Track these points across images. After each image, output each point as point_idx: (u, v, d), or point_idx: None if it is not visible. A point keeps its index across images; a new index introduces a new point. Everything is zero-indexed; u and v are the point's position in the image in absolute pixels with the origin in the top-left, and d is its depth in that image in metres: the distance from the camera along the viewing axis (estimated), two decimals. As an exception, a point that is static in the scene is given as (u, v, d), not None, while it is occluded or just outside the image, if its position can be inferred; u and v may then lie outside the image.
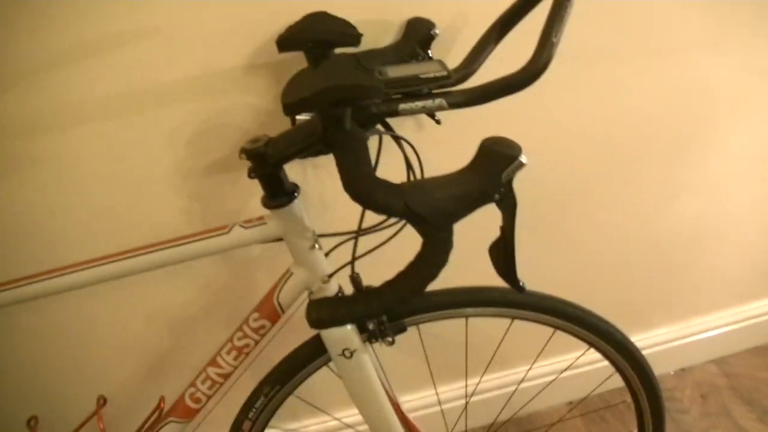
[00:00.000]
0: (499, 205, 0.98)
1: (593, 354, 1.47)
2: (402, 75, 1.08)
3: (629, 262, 2.08)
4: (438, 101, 1.08)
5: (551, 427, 2.19)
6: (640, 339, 2.26)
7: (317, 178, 1.22)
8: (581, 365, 2.16)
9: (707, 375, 2.49)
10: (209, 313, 1.63)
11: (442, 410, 2.00)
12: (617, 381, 1.54)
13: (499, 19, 1.20)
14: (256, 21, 1.27)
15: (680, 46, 1.66)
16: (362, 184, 0.97)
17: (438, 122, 1.41)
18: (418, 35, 1.32)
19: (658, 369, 2.17)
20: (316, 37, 1.18)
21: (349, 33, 1.20)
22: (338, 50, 1.20)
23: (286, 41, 1.20)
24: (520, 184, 0.97)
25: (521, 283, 1.05)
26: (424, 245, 1.00)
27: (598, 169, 1.78)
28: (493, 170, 0.96)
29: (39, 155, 1.30)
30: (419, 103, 1.08)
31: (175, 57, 1.27)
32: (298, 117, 1.24)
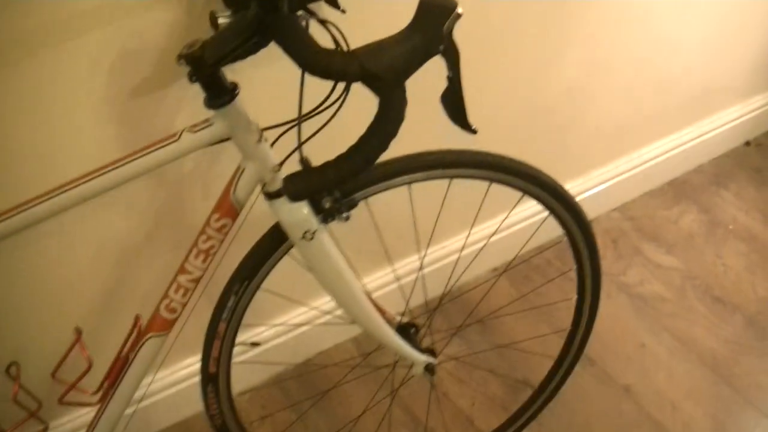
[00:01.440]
0: (444, 55, 1.06)
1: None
2: None
3: (526, 121, 2.20)
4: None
5: (480, 292, 2.31)
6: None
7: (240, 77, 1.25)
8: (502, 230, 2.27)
9: (613, 222, 2.66)
10: (151, 238, 1.66)
11: (400, 286, 2.12)
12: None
13: None
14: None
15: None
16: (317, 58, 1.03)
17: (343, 11, 1.45)
18: None
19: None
20: None
21: None
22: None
23: None
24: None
25: (473, 127, 1.13)
26: (382, 104, 1.07)
27: (488, 30, 1.86)
28: (435, 24, 1.03)
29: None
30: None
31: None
32: (220, 22, 1.27)
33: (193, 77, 1.17)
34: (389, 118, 1.07)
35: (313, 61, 1.04)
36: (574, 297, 1.77)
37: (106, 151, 1.41)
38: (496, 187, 1.51)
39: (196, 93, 1.19)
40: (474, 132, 1.13)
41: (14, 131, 1.36)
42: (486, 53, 1.90)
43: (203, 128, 1.22)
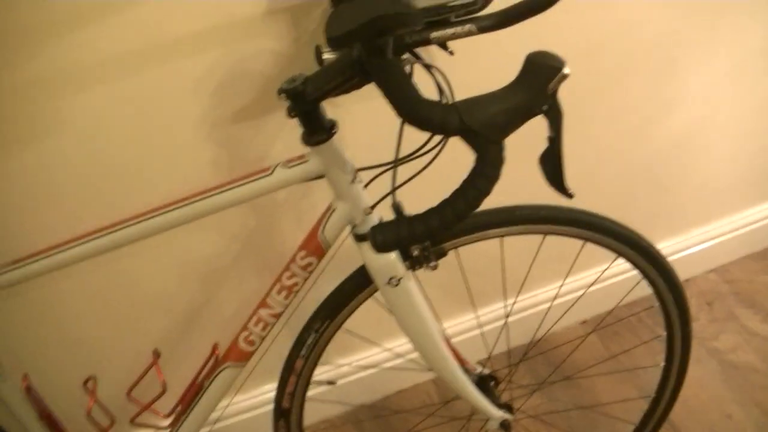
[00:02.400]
0: (547, 115, 1.03)
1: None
2: (431, 4, 1.11)
3: (626, 178, 2.13)
4: (468, 27, 1.11)
5: (567, 346, 2.25)
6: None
7: (337, 117, 1.24)
8: (595, 284, 2.22)
9: (710, 284, 2.56)
10: (239, 262, 1.66)
11: (482, 333, 2.07)
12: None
13: None
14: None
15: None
16: (417, 107, 1.01)
17: (451, 53, 1.44)
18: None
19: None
20: None
21: None
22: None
23: None
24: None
25: (570, 191, 1.09)
26: (479, 160, 1.04)
27: (590, 85, 1.82)
28: (540, 82, 1.00)
29: (62, 118, 1.31)
30: (450, 30, 1.12)
31: (193, 8, 1.28)
32: (325, 57, 1.26)
33: (293, 112, 1.16)
34: (484, 175, 1.04)
35: (412, 110, 1.01)
36: (662, 363, 1.71)
37: (202, 173, 1.43)
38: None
39: (294, 126, 1.19)
40: (570, 196, 1.09)
41: (114, 145, 1.38)
42: (590, 107, 1.86)
43: (298, 164, 1.21)
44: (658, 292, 1.57)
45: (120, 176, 1.42)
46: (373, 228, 1.18)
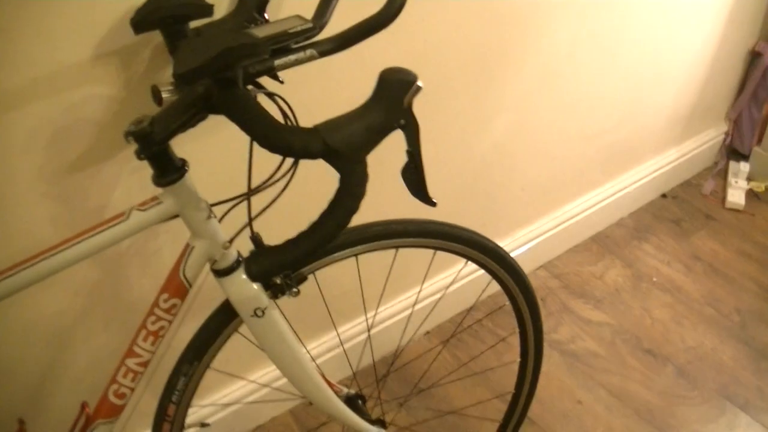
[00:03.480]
0: (404, 129, 1.06)
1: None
2: (271, 33, 1.12)
3: (454, 187, 2.22)
4: (309, 52, 1.14)
5: (422, 359, 2.30)
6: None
7: (182, 153, 1.23)
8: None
9: (540, 280, 2.69)
10: (86, 317, 1.60)
11: (344, 350, 2.09)
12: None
13: None
14: (97, 11, 1.26)
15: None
16: (278, 134, 1.02)
17: (281, 82, 1.45)
18: (252, 1, 1.35)
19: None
20: (174, 12, 1.20)
21: (202, 4, 1.23)
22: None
23: (143, 22, 1.21)
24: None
25: (433, 200, 1.13)
26: (344, 180, 1.05)
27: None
28: (395, 97, 1.03)
29: None
30: (292, 57, 1.14)
31: (16, 58, 1.23)
32: (164, 96, 1.25)
33: (142, 154, 1.14)
34: (351, 194, 1.06)
35: (274, 138, 1.02)
36: (517, 360, 1.77)
37: (42, 231, 1.37)
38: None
39: (132, 169, 1.16)
40: (434, 204, 1.13)
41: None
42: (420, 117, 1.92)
43: (152, 206, 1.18)
44: (508, 290, 1.63)
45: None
46: (247, 259, 1.17)
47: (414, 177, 1.11)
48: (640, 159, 2.96)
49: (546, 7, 2.06)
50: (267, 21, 1.35)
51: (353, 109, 1.04)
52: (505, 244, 2.52)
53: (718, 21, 2.77)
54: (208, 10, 1.23)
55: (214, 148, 1.39)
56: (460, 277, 2.30)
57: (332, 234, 1.11)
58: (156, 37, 1.29)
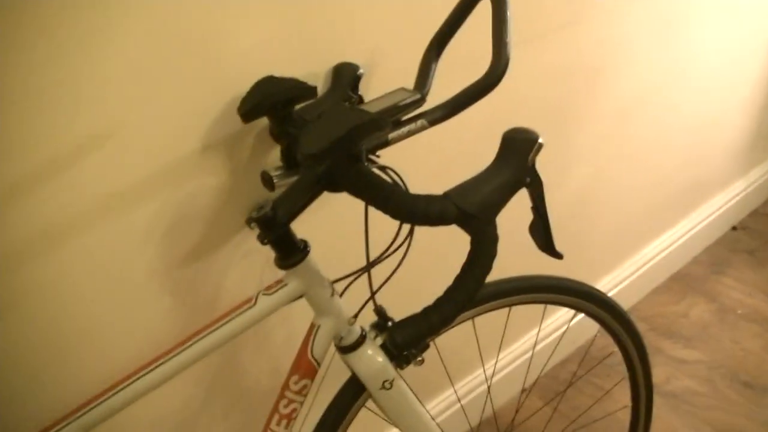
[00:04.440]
0: (530, 187, 1.07)
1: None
2: (383, 107, 1.15)
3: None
4: (420, 122, 1.16)
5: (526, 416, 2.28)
6: (562, 313, 2.40)
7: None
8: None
9: (627, 325, 2.65)
10: (207, 407, 1.60)
11: (462, 406, 2.08)
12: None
13: (434, 39, 1.29)
14: (201, 103, 1.28)
15: (546, 30, 1.82)
16: (411, 206, 1.03)
17: (378, 156, 1.47)
18: (346, 79, 1.37)
19: (585, 335, 2.34)
20: (282, 98, 1.22)
21: (306, 87, 1.25)
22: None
23: (252, 111, 1.24)
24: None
25: (560, 253, 1.13)
26: (476, 242, 1.06)
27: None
28: (521, 156, 1.04)
29: (23, 288, 1.25)
30: (405, 129, 1.16)
31: (132, 157, 1.25)
32: (276, 181, 1.27)
33: (265, 239, 1.16)
34: (485, 255, 1.07)
35: (408, 209, 1.03)
36: (621, 407, 1.76)
37: (164, 323, 1.39)
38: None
39: (244, 253, 1.18)
40: (560, 257, 1.13)
41: (68, 314, 1.31)
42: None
43: (278, 289, 1.20)
44: (617, 337, 1.62)
45: (77, 348, 1.35)
46: (390, 330, 1.17)
47: (541, 232, 1.12)
48: (708, 195, 2.96)
49: (613, 59, 2.09)
50: (360, 97, 1.37)
51: (480, 172, 1.05)
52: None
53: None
54: (313, 92, 1.26)
55: (324, 222, 1.41)
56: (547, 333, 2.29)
57: (471, 297, 1.11)
58: (259, 122, 1.31)
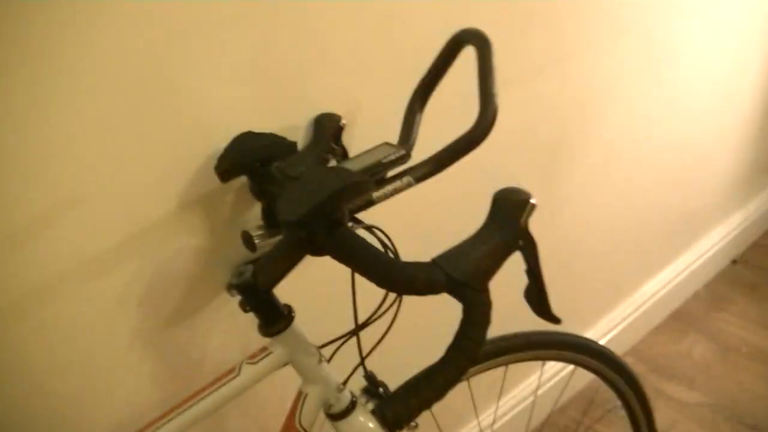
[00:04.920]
0: (523, 250, 1.01)
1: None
2: (366, 165, 1.09)
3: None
4: (406, 179, 1.10)
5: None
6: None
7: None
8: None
9: (628, 367, 2.59)
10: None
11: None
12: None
13: (418, 89, 1.24)
14: (176, 162, 1.23)
15: (531, 70, 1.77)
16: (397, 272, 0.96)
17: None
18: (328, 130, 1.32)
19: (584, 380, 2.27)
20: (261, 156, 1.17)
21: (285, 143, 1.20)
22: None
23: (229, 170, 1.18)
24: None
25: (558, 318, 1.07)
26: (468, 311, 1.00)
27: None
28: (512, 219, 0.98)
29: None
30: (390, 187, 1.10)
31: (106, 220, 1.19)
32: (257, 242, 1.22)
33: (247, 307, 1.10)
34: (478, 323, 1.00)
35: (393, 276, 0.97)
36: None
37: (144, 391, 1.33)
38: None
39: (227, 315, 1.13)
40: (558, 322, 1.07)
41: (39, 388, 1.25)
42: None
43: (263, 358, 1.15)
44: (618, 391, 1.57)
45: (52, 414, 1.29)
46: (380, 405, 1.11)
47: (537, 297, 1.06)
48: (706, 229, 2.91)
49: (601, 95, 2.04)
50: (344, 149, 1.32)
51: (470, 236, 0.99)
52: (590, 335, 2.45)
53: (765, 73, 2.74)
54: (292, 147, 1.21)
55: (310, 283, 1.35)
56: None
57: (465, 368, 1.04)
58: (238, 179, 1.26)
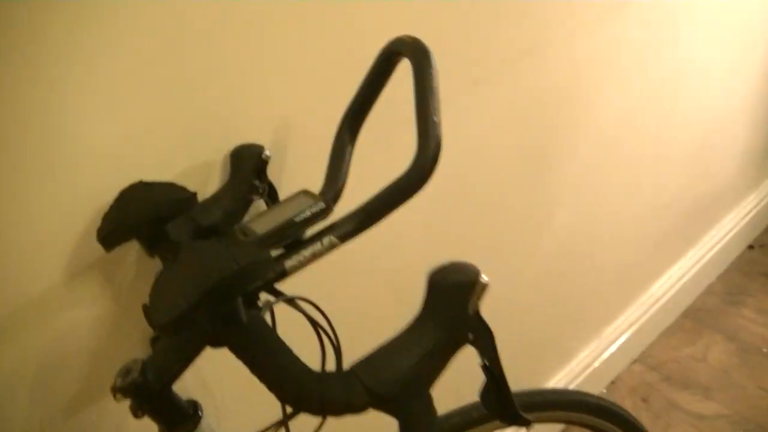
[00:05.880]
0: (474, 343, 0.77)
1: None
2: (274, 226, 0.86)
3: (528, 297, 1.94)
4: (327, 240, 0.87)
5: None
6: (566, 373, 2.11)
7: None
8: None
9: (637, 376, 2.40)
10: None
11: None
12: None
13: (345, 117, 1.01)
14: (57, 225, 1.00)
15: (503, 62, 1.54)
16: (302, 386, 0.74)
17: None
18: (249, 165, 1.09)
19: (591, 392, 2.04)
20: (149, 218, 0.95)
21: (181, 197, 0.97)
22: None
23: (113, 235, 0.96)
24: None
25: (527, 418, 0.84)
26: (404, 428, 0.76)
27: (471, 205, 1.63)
28: (457, 308, 0.74)
29: None
30: (306, 252, 0.87)
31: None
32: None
33: (139, 411, 0.88)
34: None
35: (294, 389, 0.74)
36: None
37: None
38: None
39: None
40: (528, 423, 0.84)
41: None
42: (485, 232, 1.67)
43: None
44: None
45: None
46: None
47: (496, 396, 0.82)
48: (719, 215, 2.72)
49: (590, 80, 1.83)
50: (271, 186, 1.10)
51: (400, 332, 0.75)
52: (594, 345, 2.26)
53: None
54: (191, 201, 0.98)
55: (225, 362, 1.13)
56: None
57: None
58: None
